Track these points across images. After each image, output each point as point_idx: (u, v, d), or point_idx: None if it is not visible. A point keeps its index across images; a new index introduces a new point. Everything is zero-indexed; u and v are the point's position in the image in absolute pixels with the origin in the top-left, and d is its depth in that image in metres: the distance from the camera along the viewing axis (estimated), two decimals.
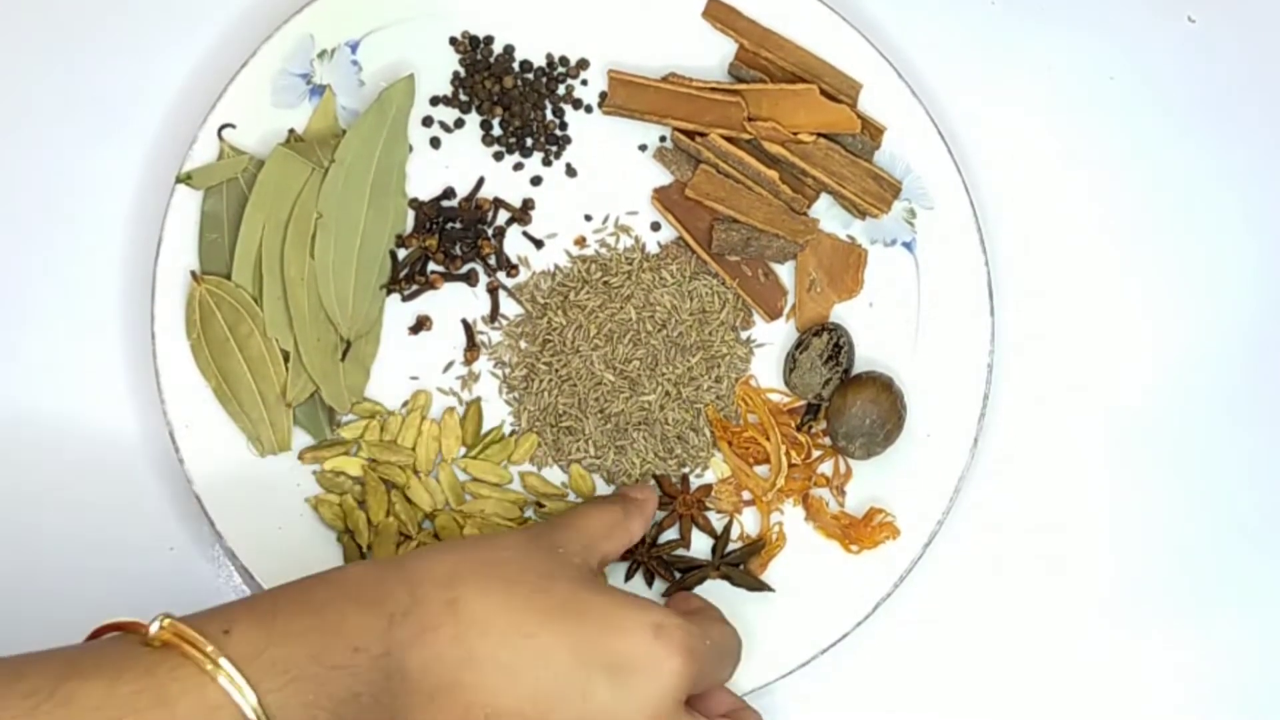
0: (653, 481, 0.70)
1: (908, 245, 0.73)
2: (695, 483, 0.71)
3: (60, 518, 0.70)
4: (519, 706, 0.57)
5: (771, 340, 0.73)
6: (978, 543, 0.73)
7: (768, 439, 0.71)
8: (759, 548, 0.70)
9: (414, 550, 0.63)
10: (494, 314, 0.72)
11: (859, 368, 0.72)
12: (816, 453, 0.71)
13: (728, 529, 0.71)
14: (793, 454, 0.71)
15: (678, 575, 0.70)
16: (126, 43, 0.74)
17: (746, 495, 0.71)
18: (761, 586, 0.70)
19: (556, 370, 0.71)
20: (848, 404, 0.70)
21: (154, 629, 0.53)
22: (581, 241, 0.73)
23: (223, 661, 0.52)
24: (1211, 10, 0.78)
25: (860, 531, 0.71)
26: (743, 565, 0.70)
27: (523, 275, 0.72)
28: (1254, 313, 0.77)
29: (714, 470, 0.71)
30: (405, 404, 0.71)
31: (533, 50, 0.74)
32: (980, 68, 0.77)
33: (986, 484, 0.73)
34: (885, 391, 0.70)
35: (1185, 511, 0.75)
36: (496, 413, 0.71)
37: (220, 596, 0.70)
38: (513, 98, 0.73)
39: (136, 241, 0.72)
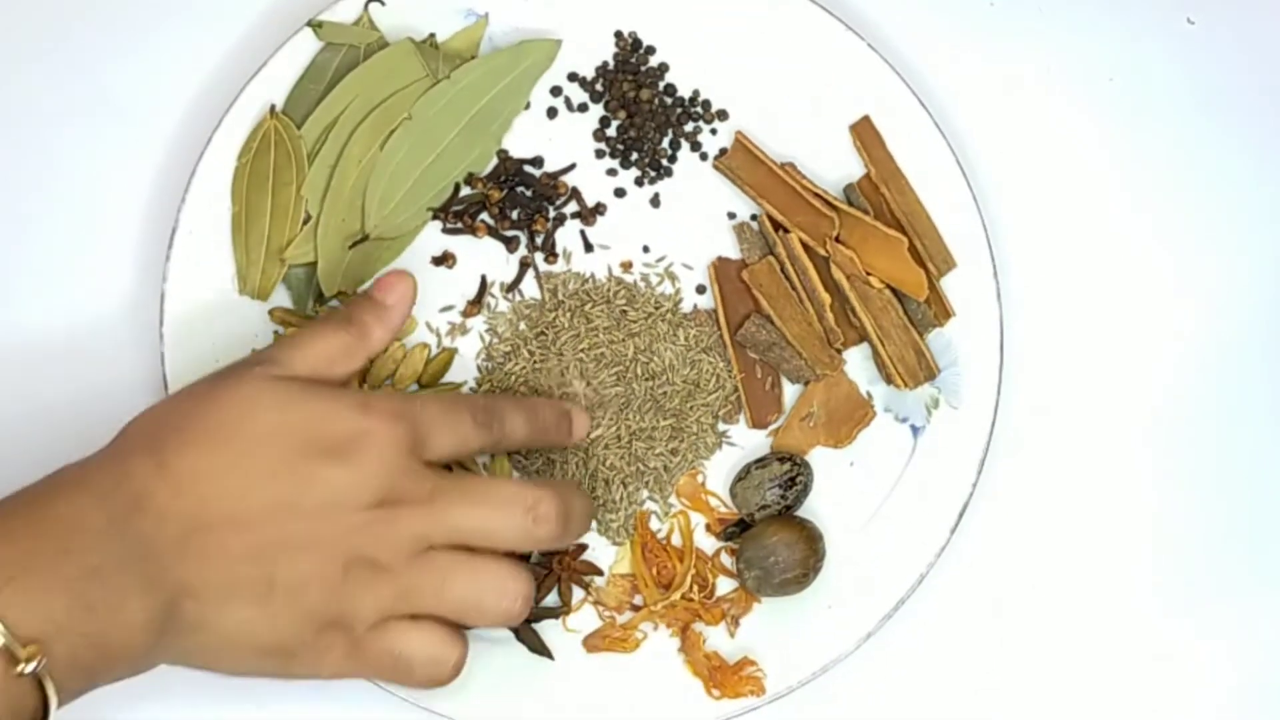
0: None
1: (915, 429, 0.71)
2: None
3: None
4: (265, 518, 0.59)
5: (742, 445, 0.71)
6: (982, 558, 0.73)
7: (680, 561, 0.69)
8: (557, 614, 0.69)
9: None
10: (513, 285, 0.72)
11: (802, 512, 0.70)
12: (721, 590, 0.70)
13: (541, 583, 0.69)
14: (695, 589, 0.69)
15: None
16: None
17: (638, 599, 0.70)
18: (540, 652, 0.68)
19: (535, 362, 0.71)
20: (766, 534, 0.68)
21: None
22: (628, 266, 0.73)
23: None
24: (1211, 10, 0.77)
25: (725, 678, 0.68)
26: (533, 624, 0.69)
27: (558, 266, 0.72)
28: (1257, 312, 0.75)
29: (620, 558, 0.70)
30: None
31: (684, 79, 0.74)
32: (980, 68, 0.76)
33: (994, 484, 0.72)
34: (807, 543, 0.68)
35: (1192, 515, 0.74)
36: (465, 371, 0.71)
37: None
38: (642, 111, 0.73)
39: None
